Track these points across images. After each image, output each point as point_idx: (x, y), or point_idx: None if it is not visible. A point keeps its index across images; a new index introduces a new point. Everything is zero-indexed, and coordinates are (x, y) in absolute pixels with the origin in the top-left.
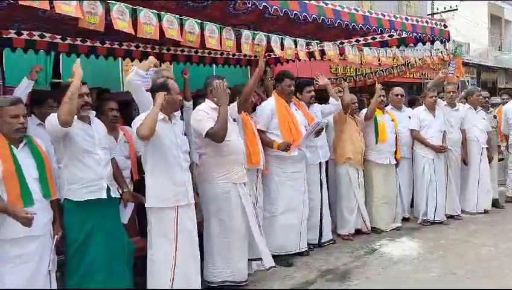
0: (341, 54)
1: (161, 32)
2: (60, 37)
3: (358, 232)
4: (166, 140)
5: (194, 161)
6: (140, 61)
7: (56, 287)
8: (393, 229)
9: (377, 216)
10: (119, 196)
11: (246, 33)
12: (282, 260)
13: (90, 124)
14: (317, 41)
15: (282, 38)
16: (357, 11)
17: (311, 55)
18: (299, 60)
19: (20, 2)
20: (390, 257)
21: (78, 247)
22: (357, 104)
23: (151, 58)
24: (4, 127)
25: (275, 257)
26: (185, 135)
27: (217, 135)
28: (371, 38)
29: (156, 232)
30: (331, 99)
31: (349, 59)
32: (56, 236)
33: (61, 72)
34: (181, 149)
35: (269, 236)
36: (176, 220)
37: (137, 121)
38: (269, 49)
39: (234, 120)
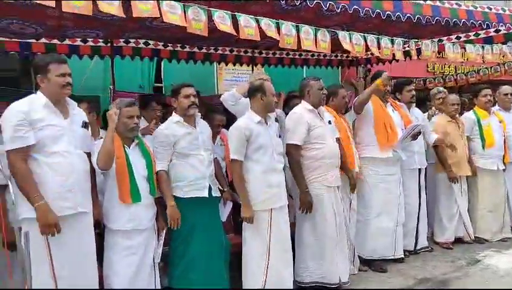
0: (439, 52)
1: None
2: (162, 44)
3: (458, 241)
4: (262, 142)
5: (287, 164)
6: (234, 64)
7: (159, 277)
8: (500, 240)
9: (481, 225)
10: (220, 195)
11: (342, 33)
12: (376, 265)
13: (195, 126)
14: (415, 40)
15: (378, 38)
16: (459, 6)
17: (406, 54)
18: (397, 61)
19: (134, 15)
20: (496, 270)
21: (182, 241)
22: (458, 106)
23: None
24: (120, 127)
25: (367, 261)
26: (279, 137)
27: (289, 158)
28: (474, 35)
29: (250, 231)
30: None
31: (449, 57)
32: (163, 230)
33: (162, 76)
34: (276, 151)
35: (363, 240)
36: (270, 222)
37: (232, 132)
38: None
39: (329, 122)
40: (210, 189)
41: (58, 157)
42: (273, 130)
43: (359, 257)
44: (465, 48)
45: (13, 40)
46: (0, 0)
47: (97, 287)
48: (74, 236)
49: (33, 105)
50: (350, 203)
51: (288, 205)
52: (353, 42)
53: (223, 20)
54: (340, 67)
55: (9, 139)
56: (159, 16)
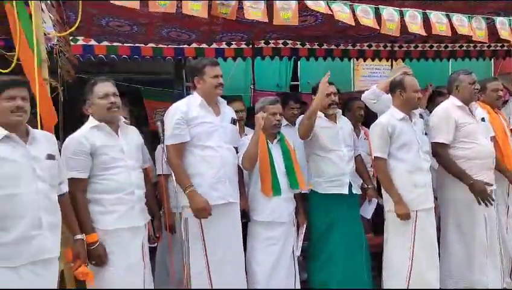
0: None
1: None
2: (300, 43)
3: None
4: (406, 139)
5: (433, 165)
6: (372, 60)
7: (298, 270)
8: None
9: None
10: (360, 193)
11: (500, 19)
12: None
13: (336, 122)
14: None
15: None
16: None
17: None
18: None
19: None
20: None
21: (321, 235)
22: None
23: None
24: (264, 123)
25: None
26: (426, 134)
27: (438, 158)
28: None
29: (393, 233)
30: None
31: None
32: (304, 225)
33: (299, 75)
34: (422, 149)
35: None
36: (415, 224)
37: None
38: None
39: (483, 119)
40: (350, 186)
41: (211, 151)
42: (419, 127)
43: None
44: None
45: (169, 46)
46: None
47: (244, 272)
48: (224, 224)
49: (190, 105)
50: (508, 209)
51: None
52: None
53: (366, 14)
54: (493, 58)
55: (169, 136)
56: (296, 24)
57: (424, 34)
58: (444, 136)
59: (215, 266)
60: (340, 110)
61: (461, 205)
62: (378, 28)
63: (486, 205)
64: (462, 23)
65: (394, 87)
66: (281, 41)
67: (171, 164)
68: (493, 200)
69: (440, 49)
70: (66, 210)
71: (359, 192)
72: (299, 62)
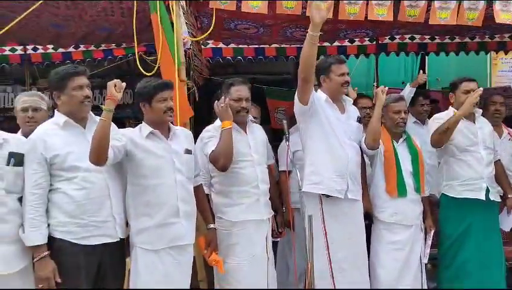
0: None
1: None
2: (428, 37)
3: None
4: None
5: None
6: None
7: (426, 278)
8: None
9: None
10: (499, 201)
11: None
12: None
13: (474, 122)
14: None
15: None
16: None
17: None
18: None
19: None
20: None
21: (453, 243)
22: None
23: None
24: (388, 121)
25: None
26: None
27: None
28: None
29: None
30: None
31: None
32: (432, 231)
33: (426, 71)
34: None
35: None
36: None
37: None
38: None
39: None
40: (488, 191)
41: (335, 147)
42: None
43: None
44: None
45: (292, 46)
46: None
47: (367, 272)
48: (347, 221)
49: (317, 101)
50: None
51: None
52: None
53: (505, 6)
54: None
55: None
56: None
57: None
58: None
59: (337, 264)
60: (480, 110)
61: None
62: None
63: None
64: None
65: None
66: (407, 36)
67: None
68: None
69: None
70: (200, 200)
71: (498, 199)
72: (426, 58)
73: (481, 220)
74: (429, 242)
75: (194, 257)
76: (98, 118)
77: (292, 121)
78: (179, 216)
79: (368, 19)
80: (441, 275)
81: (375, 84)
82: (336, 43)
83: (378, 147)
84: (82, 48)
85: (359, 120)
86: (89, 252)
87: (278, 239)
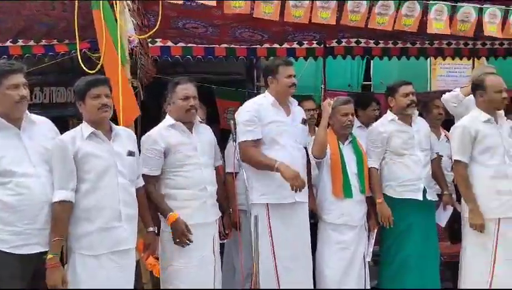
0: None
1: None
2: (373, 41)
3: None
4: (491, 143)
5: None
6: (452, 58)
7: (369, 275)
8: None
9: None
10: (437, 199)
11: None
12: None
13: (411, 125)
14: None
15: None
16: None
17: None
18: None
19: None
20: None
21: (394, 241)
22: None
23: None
24: (336, 124)
25: None
26: None
27: None
28: None
29: (472, 241)
30: None
31: None
32: (375, 230)
33: (371, 75)
34: (508, 153)
35: None
36: (497, 233)
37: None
38: None
39: None
40: (425, 191)
41: (280, 150)
42: (505, 130)
43: None
44: None
45: (242, 46)
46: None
47: (311, 272)
48: (292, 223)
49: (262, 103)
50: None
51: None
52: None
53: (439, 14)
54: None
55: (241, 133)
56: (391, 28)
57: (500, 35)
58: None
59: (282, 264)
60: (417, 112)
61: None
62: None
63: None
64: None
65: (475, 89)
66: (353, 40)
67: (245, 158)
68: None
69: None
70: (141, 203)
71: (434, 198)
72: (371, 61)
73: (420, 219)
74: (372, 241)
75: (138, 260)
76: (34, 117)
77: None
78: (121, 220)
79: (312, 22)
80: (383, 272)
81: (322, 86)
82: (285, 45)
83: (325, 156)
84: (21, 42)
85: (304, 122)
86: (24, 262)
87: (225, 240)
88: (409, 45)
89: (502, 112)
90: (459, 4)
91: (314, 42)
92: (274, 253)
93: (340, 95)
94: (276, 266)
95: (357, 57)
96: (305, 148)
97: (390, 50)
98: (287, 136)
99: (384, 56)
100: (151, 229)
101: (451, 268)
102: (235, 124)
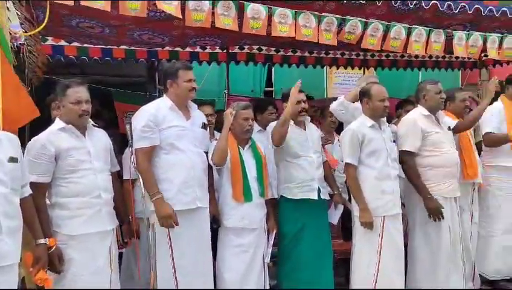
0: None
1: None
2: (274, 49)
3: None
4: (375, 147)
5: (400, 173)
6: (345, 68)
7: (268, 276)
8: None
9: None
10: (329, 198)
11: (458, 34)
12: (500, 285)
13: (304, 129)
14: None
15: (501, 37)
16: None
17: None
18: None
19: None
20: None
21: (290, 241)
22: None
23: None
24: (236, 128)
25: (490, 282)
26: (394, 142)
27: (404, 165)
28: None
29: (360, 238)
30: None
31: None
32: (273, 231)
33: (273, 81)
34: (390, 157)
35: (485, 258)
36: (382, 230)
37: (345, 136)
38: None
39: (449, 128)
40: (319, 191)
41: (180, 155)
42: (387, 135)
43: (480, 275)
44: None
45: (143, 48)
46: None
47: (212, 278)
48: (193, 229)
49: (160, 108)
50: (472, 216)
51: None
52: (468, 44)
53: (328, 26)
54: (461, 69)
55: (138, 139)
56: (265, 34)
57: (379, 48)
58: (410, 144)
59: (182, 272)
60: (309, 117)
61: (427, 213)
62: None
63: (435, 220)
64: (420, 38)
65: (362, 96)
66: (255, 47)
67: (139, 168)
68: (443, 218)
69: (411, 59)
70: (29, 213)
71: (327, 197)
72: (273, 68)
73: (314, 218)
74: (271, 242)
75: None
76: None
77: None
78: (1, 233)
79: (216, 27)
80: (280, 272)
81: (225, 91)
82: (188, 49)
83: (225, 163)
84: None
85: (204, 126)
86: None
87: (124, 249)
88: (306, 54)
89: (384, 119)
90: (347, 17)
91: (217, 47)
92: (173, 261)
93: (242, 100)
94: (175, 274)
95: (259, 63)
96: (206, 152)
97: (290, 58)
98: (187, 140)
99: (285, 64)
100: (41, 241)
101: (344, 264)
102: (131, 128)
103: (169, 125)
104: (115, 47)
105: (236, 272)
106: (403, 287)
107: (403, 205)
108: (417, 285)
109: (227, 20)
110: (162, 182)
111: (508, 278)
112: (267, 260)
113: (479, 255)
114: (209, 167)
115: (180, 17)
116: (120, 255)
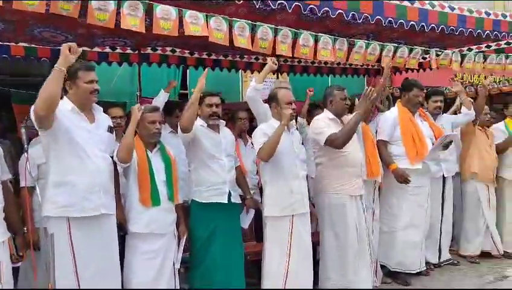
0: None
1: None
2: (188, 51)
3: (486, 255)
4: (284, 149)
5: (309, 174)
6: (259, 72)
7: (179, 281)
8: None
9: (509, 239)
10: (240, 202)
11: (359, 43)
12: (401, 278)
13: (218, 132)
14: (437, 49)
15: (396, 47)
16: (488, 14)
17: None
18: (424, 70)
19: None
20: None
21: (202, 244)
22: (489, 116)
23: (269, 62)
24: (143, 131)
25: (391, 273)
26: (302, 144)
27: (337, 140)
28: (505, 44)
29: (270, 238)
30: (463, 108)
31: (467, 67)
32: (184, 236)
33: (188, 84)
34: (298, 158)
35: (388, 251)
36: (291, 229)
37: (256, 134)
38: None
39: None
40: (230, 195)
41: (84, 159)
42: (296, 137)
43: (382, 268)
44: (486, 59)
45: (45, 46)
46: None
47: (120, 284)
48: (97, 237)
49: (60, 110)
50: (373, 213)
51: (311, 214)
52: (367, 51)
53: (242, 31)
54: (366, 76)
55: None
56: (177, 34)
57: (290, 54)
58: (329, 130)
59: (86, 284)
60: (224, 122)
61: (335, 211)
62: (251, 47)
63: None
64: (327, 45)
65: (270, 101)
66: (168, 49)
67: None
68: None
69: (321, 65)
70: None
71: (238, 201)
72: (188, 71)
73: (225, 221)
74: (182, 248)
75: None
76: None
77: None
78: None
79: (122, 27)
80: (192, 276)
81: (138, 93)
82: (97, 49)
83: (131, 160)
84: None
85: (110, 130)
86: None
87: (19, 264)
88: (221, 57)
89: (293, 122)
90: (258, 23)
91: (128, 48)
92: (77, 273)
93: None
94: (79, 284)
95: (173, 65)
96: (112, 157)
97: (205, 61)
98: (91, 144)
99: (199, 66)
100: None
101: (257, 266)
102: (26, 132)
103: (72, 128)
104: (13, 44)
105: (145, 280)
106: (311, 285)
107: (312, 205)
108: (328, 282)
109: (134, 21)
110: (64, 186)
111: (409, 272)
112: (178, 265)
113: (383, 249)
114: (116, 171)
115: (76, 16)
116: (17, 269)
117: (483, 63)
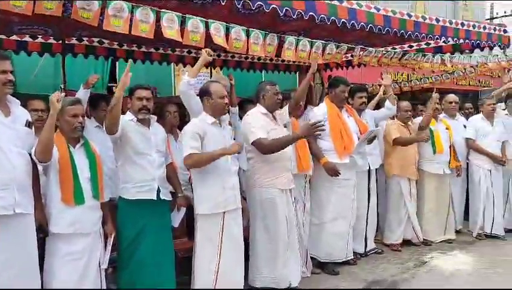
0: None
1: (207, 39)
2: (117, 43)
3: (407, 243)
4: (216, 144)
5: (241, 167)
6: (192, 66)
7: (105, 283)
8: (444, 241)
9: (427, 227)
10: (171, 199)
11: (289, 39)
12: (329, 267)
13: (149, 128)
14: (362, 46)
15: (325, 44)
16: (410, 16)
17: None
18: (353, 67)
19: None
20: (442, 271)
21: (130, 243)
22: (410, 112)
23: (203, 53)
24: (64, 126)
25: (321, 264)
26: (233, 139)
27: (265, 148)
28: (425, 44)
29: (201, 235)
30: (387, 103)
31: (384, 63)
32: (111, 235)
33: (117, 76)
34: None
35: (317, 243)
36: (222, 225)
37: (186, 132)
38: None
39: (285, 126)
40: (159, 191)
41: None
42: (228, 132)
43: (312, 259)
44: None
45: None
46: None
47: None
48: (13, 239)
49: None
50: (304, 206)
51: (242, 209)
52: (298, 48)
53: (171, 23)
54: (298, 72)
55: None
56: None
57: (226, 46)
58: (261, 132)
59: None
60: (155, 117)
61: (266, 205)
62: (181, 39)
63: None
64: (258, 40)
65: (202, 95)
66: (96, 40)
67: None
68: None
69: (254, 60)
70: None
71: (168, 198)
72: (117, 63)
73: (154, 219)
74: (109, 247)
75: None
76: None
77: None
78: None
79: (36, 13)
80: (121, 277)
81: (62, 86)
82: (15, 37)
83: (50, 159)
84: None
85: (28, 124)
86: None
87: None
88: (152, 50)
89: (226, 116)
90: (187, 16)
91: (51, 37)
92: None
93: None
94: None
95: (101, 57)
96: (30, 154)
97: (134, 53)
98: (6, 139)
99: (129, 59)
100: None
101: (188, 263)
102: None
103: None
104: None
105: (68, 282)
106: (242, 279)
107: (244, 199)
108: (258, 275)
109: (49, 5)
110: None
111: (336, 261)
112: (104, 266)
113: (312, 241)
114: (35, 169)
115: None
116: None
117: (399, 60)
